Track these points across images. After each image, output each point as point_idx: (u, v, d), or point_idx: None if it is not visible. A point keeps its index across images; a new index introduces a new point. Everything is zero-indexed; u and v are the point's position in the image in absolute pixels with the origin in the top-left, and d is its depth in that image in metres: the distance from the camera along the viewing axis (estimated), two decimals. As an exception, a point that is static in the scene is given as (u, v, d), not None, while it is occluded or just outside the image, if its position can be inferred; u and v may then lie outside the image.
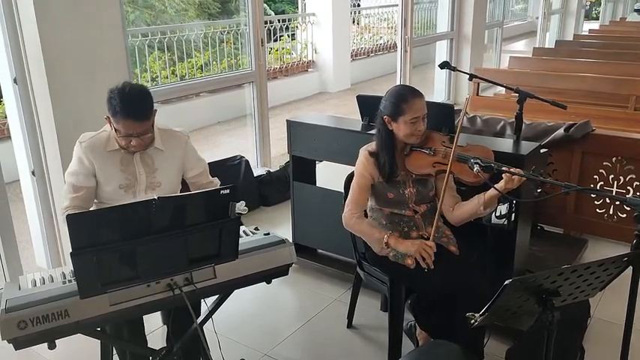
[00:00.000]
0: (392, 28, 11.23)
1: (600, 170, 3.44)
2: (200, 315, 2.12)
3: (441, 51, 7.94)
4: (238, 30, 7.49)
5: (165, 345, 2.16)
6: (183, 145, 2.29)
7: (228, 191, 1.82)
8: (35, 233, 3.43)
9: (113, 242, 1.69)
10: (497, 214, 2.79)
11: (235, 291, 2.07)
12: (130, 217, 1.73)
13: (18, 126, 3.17)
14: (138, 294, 1.78)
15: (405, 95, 2.30)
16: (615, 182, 3.40)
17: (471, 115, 3.78)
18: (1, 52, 3.05)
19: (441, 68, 3.03)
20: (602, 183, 3.45)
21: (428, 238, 2.28)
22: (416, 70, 7.28)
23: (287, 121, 3.29)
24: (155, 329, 2.60)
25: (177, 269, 1.83)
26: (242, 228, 2.17)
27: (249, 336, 2.83)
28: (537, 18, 12.00)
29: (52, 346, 1.71)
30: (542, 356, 1.65)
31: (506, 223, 2.72)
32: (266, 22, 7.78)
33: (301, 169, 3.36)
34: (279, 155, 5.37)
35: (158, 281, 1.80)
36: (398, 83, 5.44)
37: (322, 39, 9.51)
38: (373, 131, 2.45)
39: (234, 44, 7.87)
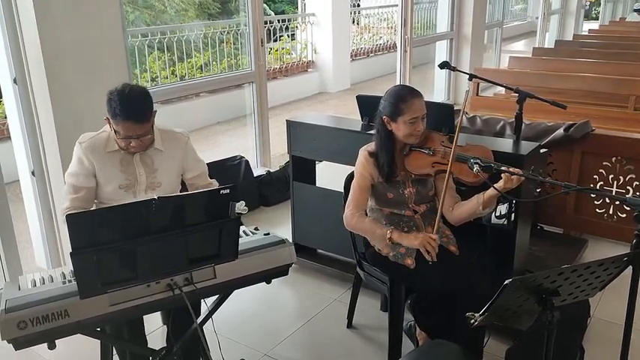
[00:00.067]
0: (392, 28, 11.24)
1: (600, 170, 3.44)
2: (200, 315, 2.12)
3: (441, 51, 7.94)
4: (238, 30, 7.49)
5: (165, 345, 2.16)
6: (183, 145, 2.29)
7: (228, 191, 1.82)
8: (35, 233, 3.43)
9: (113, 242, 1.69)
10: (497, 214, 2.79)
11: (235, 291, 2.07)
12: (129, 217, 1.73)
13: (18, 126, 3.17)
14: (138, 294, 1.78)
15: (404, 95, 2.30)
16: (615, 182, 3.41)
17: (471, 115, 3.79)
18: (0, 52, 3.05)
19: (441, 68, 3.03)
20: (601, 183, 3.45)
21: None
22: (416, 70, 7.28)
23: (287, 121, 3.29)
24: (155, 329, 2.60)
25: (177, 269, 1.83)
26: (242, 228, 2.17)
27: (249, 336, 2.83)
28: (537, 18, 12.01)
29: (51, 347, 1.71)
30: (542, 356, 1.65)
31: (506, 223, 2.72)
32: (266, 23, 7.78)
33: (301, 169, 3.36)
34: (279, 155, 5.37)
35: (158, 281, 1.80)
36: (398, 83, 5.44)
37: (322, 39, 9.51)
38: (373, 131, 2.45)
39: (234, 44, 7.87)
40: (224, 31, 7.82)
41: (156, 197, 1.72)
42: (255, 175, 4.54)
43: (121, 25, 3.36)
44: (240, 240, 1.98)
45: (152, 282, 1.79)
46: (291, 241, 2.18)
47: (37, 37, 2.96)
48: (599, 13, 17.22)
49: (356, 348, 2.76)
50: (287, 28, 9.22)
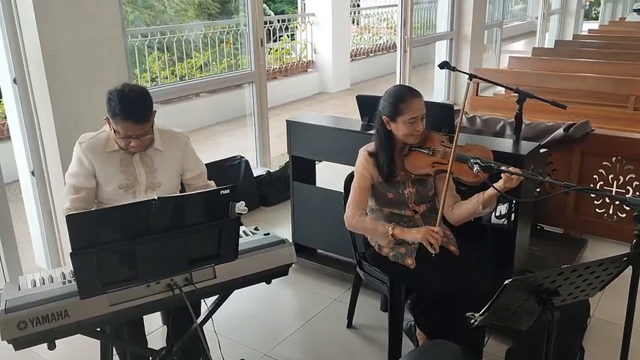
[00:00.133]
0: (391, 28, 11.24)
1: (600, 170, 3.44)
2: (200, 315, 2.12)
3: (441, 51, 7.94)
4: (238, 30, 7.49)
5: (165, 345, 2.16)
6: (183, 146, 2.29)
7: (228, 191, 1.82)
8: (35, 234, 3.43)
9: (113, 242, 1.69)
10: (497, 214, 2.79)
11: (235, 291, 2.07)
12: (129, 217, 1.73)
13: (18, 126, 3.17)
14: (138, 294, 1.78)
15: (403, 95, 2.30)
16: (615, 182, 3.41)
17: (471, 115, 3.79)
18: (0, 52, 3.05)
19: (441, 68, 3.03)
20: (601, 183, 3.45)
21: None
22: (415, 70, 7.28)
23: (287, 121, 3.29)
24: (155, 329, 2.60)
25: (177, 269, 1.83)
26: (242, 228, 2.17)
27: (249, 336, 2.83)
28: (537, 18, 12.00)
29: (51, 347, 1.71)
30: (542, 356, 1.65)
31: (506, 223, 2.72)
32: (265, 23, 7.79)
33: (301, 169, 3.36)
34: (278, 155, 5.37)
35: (158, 281, 1.80)
36: (397, 83, 5.44)
37: (322, 39, 9.51)
38: (372, 131, 2.45)
39: (233, 44, 7.87)
40: (224, 31, 7.82)
41: (156, 197, 1.72)
42: (255, 175, 4.54)
43: (120, 25, 3.36)
44: (240, 240, 1.98)
45: (152, 282, 1.79)
46: (291, 241, 2.18)
47: (37, 38, 2.96)
48: (598, 13, 17.22)
49: (356, 348, 2.76)
50: (287, 28, 9.22)
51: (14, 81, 3.07)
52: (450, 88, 7.90)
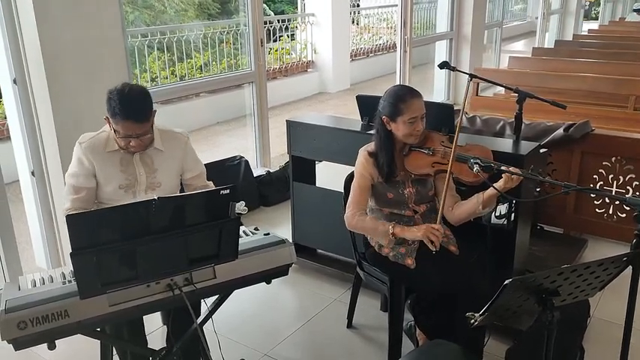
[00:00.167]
0: (391, 28, 11.24)
1: (600, 170, 3.44)
2: (200, 315, 2.12)
3: (441, 51, 7.94)
4: (238, 30, 7.49)
5: (165, 345, 2.16)
6: (183, 146, 2.29)
7: (228, 191, 1.82)
8: (35, 234, 3.43)
9: (113, 242, 1.69)
10: (497, 214, 2.79)
11: (235, 291, 2.07)
12: (129, 217, 1.73)
13: (17, 126, 3.17)
14: (138, 294, 1.78)
15: (403, 95, 2.30)
16: (615, 182, 3.41)
17: (471, 115, 3.79)
18: (0, 52, 3.05)
19: (441, 68, 3.03)
20: (601, 183, 3.45)
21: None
22: (415, 70, 7.28)
23: (287, 121, 3.29)
24: (155, 329, 2.60)
25: (177, 269, 1.83)
26: (242, 228, 2.17)
27: (249, 336, 2.83)
28: (537, 18, 12.00)
29: (51, 347, 1.71)
30: (542, 356, 1.65)
31: (506, 223, 2.72)
32: (265, 23, 7.79)
33: (301, 169, 3.36)
34: (278, 155, 5.37)
35: (158, 281, 1.80)
36: (397, 83, 5.45)
37: (322, 39, 9.51)
38: (372, 131, 2.45)
39: (233, 44, 7.87)
40: (224, 32, 7.83)
41: (156, 197, 1.72)
42: (255, 175, 4.54)
43: (120, 25, 3.36)
44: (240, 240, 1.98)
45: (152, 282, 1.79)
46: (291, 241, 2.18)
47: (37, 38, 2.96)
48: (598, 13, 17.21)
49: (356, 348, 2.76)
50: (287, 28, 9.22)
51: (14, 81, 3.07)
52: (450, 88, 7.90)
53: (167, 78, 7.14)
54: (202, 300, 2.06)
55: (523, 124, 3.04)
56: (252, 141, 4.92)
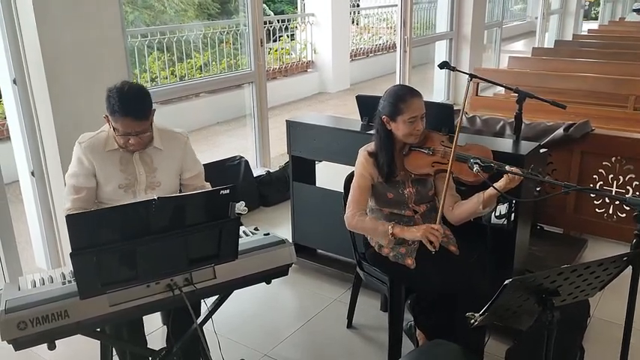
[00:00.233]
0: (391, 28, 11.24)
1: (600, 170, 3.44)
2: (200, 315, 2.12)
3: (441, 51, 7.94)
4: (238, 30, 7.49)
5: (165, 345, 2.16)
6: (182, 145, 2.29)
7: (227, 191, 1.82)
8: (35, 234, 3.43)
9: (113, 242, 1.69)
10: (497, 213, 2.79)
11: (235, 291, 2.07)
12: (129, 217, 1.73)
13: (17, 126, 3.17)
14: (138, 294, 1.78)
15: (403, 95, 2.30)
16: (615, 182, 3.41)
17: (471, 115, 3.79)
18: (0, 53, 3.04)
19: (441, 68, 3.03)
20: (601, 183, 3.45)
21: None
22: (415, 70, 7.28)
23: (286, 121, 3.29)
24: (155, 330, 2.60)
25: (177, 269, 1.83)
26: (242, 228, 2.17)
27: (249, 336, 2.83)
28: (536, 18, 12.00)
29: (51, 347, 1.71)
30: (542, 356, 1.65)
31: (505, 222, 2.72)
32: (265, 23, 7.79)
33: (301, 169, 3.36)
34: (278, 155, 5.37)
35: (158, 282, 1.80)
36: (397, 83, 5.45)
37: (321, 39, 9.51)
38: (372, 131, 2.45)
39: (233, 45, 7.87)
40: (223, 32, 7.82)
41: (156, 197, 1.72)
42: (254, 175, 4.54)
43: (120, 25, 3.36)
44: (240, 240, 1.98)
45: (152, 282, 1.79)
46: (291, 241, 2.18)
47: (37, 37, 2.95)
48: (598, 13, 17.22)
49: (356, 348, 2.76)
50: (286, 29, 9.22)
51: (14, 81, 3.07)
52: (450, 88, 7.90)
53: (167, 78, 7.14)
54: (202, 300, 2.06)
55: (523, 124, 3.04)
56: (252, 141, 4.92)
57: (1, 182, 2.97)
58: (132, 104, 2.03)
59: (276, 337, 2.82)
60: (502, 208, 2.76)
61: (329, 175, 3.49)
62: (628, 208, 3.25)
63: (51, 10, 2.98)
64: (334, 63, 9.51)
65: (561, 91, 5.44)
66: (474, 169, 2.15)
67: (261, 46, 4.64)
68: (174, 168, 2.28)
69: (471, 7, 7.68)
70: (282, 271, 2.08)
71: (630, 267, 1.72)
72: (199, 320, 2.06)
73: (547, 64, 6.34)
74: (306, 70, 9.64)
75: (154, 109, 2.13)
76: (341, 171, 2.76)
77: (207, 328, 2.10)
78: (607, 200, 3.43)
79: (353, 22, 11.15)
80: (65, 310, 1.68)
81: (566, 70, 5.91)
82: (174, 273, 1.82)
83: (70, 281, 1.80)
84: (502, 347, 2.45)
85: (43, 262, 3.42)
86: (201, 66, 7.70)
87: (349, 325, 2.88)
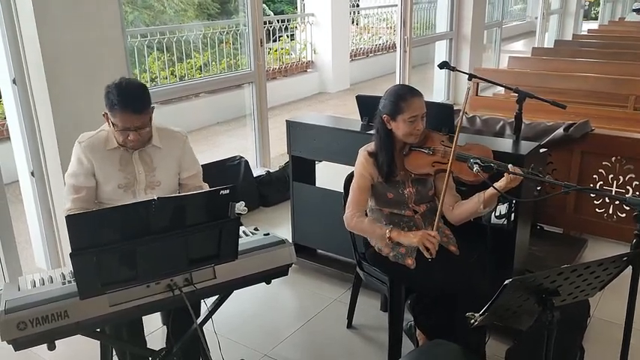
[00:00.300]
0: (391, 28, 11.24)
1: (600, 170, 3.44)
2: (200, 315, 2.12)
3: (440, 51, 7.94)
4: (237, 30, 7.49)
5: (165, 345, 2.16)
6: (181, 144, 2.29)
7: (227, 191, 1.82)
8: (34, 234, 3.42)
9: (113, 243, 1.69)
10: (497, 213, 2.79)
11: (235, 291, 2.07)
12: (129, 218, 1.73)
13: (17, 127, 3.17)
14: (137, 294, 1.78)
15: (404, 94, 2.30)
16: (615, 182, 3.41)
17: (471, 115, 3.78)
18: (0, 52, 3.04)
19: (441, 68, 3.03)
20: (601, 183, 3.45)
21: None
22: (415, 70, 7.28)
23: (286, 121, 3.29)
24: (155, 330, 2.60)
25: (177, 270, 1.83)
26: (242, 228, 2.17)
27: (248, 336, 2.83)
28: (536, 18, 12.00)
29: (51, 347, 1.71)
30: (542, 356, 1.65)
31: (505, 222, 2.72)
32: (265, 23, 7.79)
33: (301, 169, 3.36)
34: (278, 155, 5.37)
35: (158, 282, 1.80)
36: (397, 83, 5.44)
37: (321, 39, 9.51)
38: (372, 131, 2.45)
39: (233, 45, 7.87)
40: (223, 32, 7.82)
41: (155, 198, 1.71)
42: (254, 175, 4.54)
43: (120, 25, 3.36)
44: (240, 240, 1.98)
45: (152, 282, 1.79)
46: (290, 241, 2.18)
47: (37, 37, 2.95)
48: (598, 13, 17.22)
49: (356, 348, 2.76)
50: (286, 29, 9.22)
51: (14, 81, 3.07)
52: (450, 88, 7.90)
53: (167, 78, 7.14)
54: (202, 300, 2.06)
55: (523, 124, 3.05)
56: (252, 141, 4.92)
57: (1, 182, 2.97)
58: (131, 98, 2.03)
59: (276, 337, 2.82)
60: (502, 208, 2.76)
61: (329, 175, 3.49)
62: (628, 208, 3.25)
63: (51, 10, 2.98)
64: (334, 63, 9.51)
65: (561, 91, 5.44)
66: (474, 169, 2.14)
67: (261, 46, 4.64)
68: (173, 167, 2.28)
69: (470, 7, 7.68)
70: (282, 271, 2.08)
71: (630, 267, 1.72)
72: (199, 320, 2.06)
73: (547, 64, 6.34)
74: (306, 70, 9.64)
75: (153, 107, 2.13)
76: (341, 171, 2.76)
77: (207, 328, 2.10)
78: (607, 200, 3.43)
79: (353, 22, 11.14)
80: (65, 311, 1.68)
81: (566, 70, 5.91)
82: (174, 273, 1.82)
83: (69, 281, 1.80)
84: (502, 347, 2.45)
85: (43, 262, 3.42)
86: (201, 66, 7.70)
87: (349, 325, 2.88)
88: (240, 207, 1.93)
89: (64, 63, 3.08)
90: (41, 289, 1.76)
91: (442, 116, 2.66)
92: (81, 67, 3.16)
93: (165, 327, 2.30)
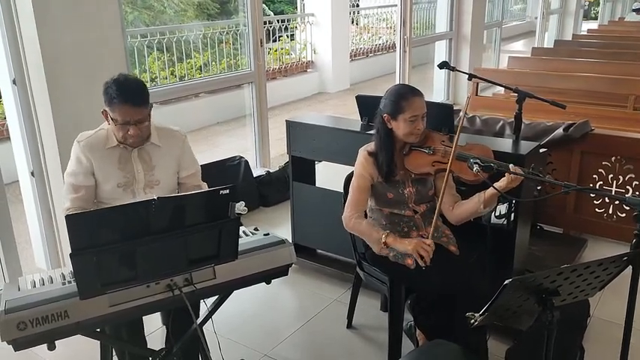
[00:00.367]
0: (391, 28, 11.24)
1: (599, 170, 3.44)
2: (200, 315, 2.12)
3: (440, 51, 7.94)
4: (237, 30, 7.49)
5: (165, 346, 2.16)
6: (180, 143, 2.29)
7: (227, 191, 1.82)
8: (34, 234, 3.42)
9: (113, 243, 1.69)
10: (497, 213, 2.79)
11: (235, 291, 2.07)
12: (129, 218, 1.73)
13: (17, 127, 3.17)
14: (137, 295, 1.78)
15: (405, 93, 2.30)
16: (614, 182, 3.41)
17: (470, 115, 3.79)
18: (0, 53, 3.04)
19: (440, 68, 3.03)
20: (601, 182, 3.45)
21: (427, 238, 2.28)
22: (415, 70, 7.28)
23: (286, 121, 3.29)
24: (155, 330, 2.60)
25: (176, 270, 1.82)
26: (242, 228, 2.17)
27: (248, 336, 2.83)
28: (536, 18, 12.01)
29: (51, 347, 1.71)
30: (542, 356, 1.65)
31: (505, 222, 2.72)
32: (265, 23, 7.79)
33: (301, 169, 3.36)
34: (278, 155, 5.37)
35: (158, 282, 1.80)
36: (397, 83, 5.44)
37: (321, 39, 9.51)
38: (372, 131, 2.45)
39: (233, 45, 7.87)
40: (223, 32, 7.82)
41: (155, 198, 1.71)
42: (254, 175, 4.54)
43: (120, 25, 3.36)
44: (240, 240, 1.98)
45: (152, 282, 1.79)
46: (290, 241, 2.18)
47: (36, 37, 2.95)
48: (598, 13, 17.22)
49: (356, 348, 2.76)
50: (286, 29, 9.22)
51: (14, 82, 3.07)
52: (450, 88, 7.90)
53: (167, 78, 7.14)
54: (202, 300, 2.06)
55: (523, 124, 3.05)
56: (252, 141, 4.92)
57: (1, 182, 2.97)
58: (130, 91, 2.05)
59: (276, 337, 2.82)
60: (502, 208, 2.76)
61: (329, 175, 3.49)
62: (628, 208, 3.25)
63: (51, 10, 2.98)
64: (334, 63, 9.51)
65: (561, 91, 5.44)
66: (474, 169, 2.14)
67: (261, 46, 4.64)
68: (172, 166, 2.28)
69: (470, 7, 7.68)
70: (282, 271, 2.08)
71: (630, 267, 1.72)
72: (199, 320, 2.06)
73: (547, 64, 6.34)
74: (306, 70, 9.64)
75: (152, 104, 2.14)
76: (341, 171, 2.76)
77: (207, 328, 2.10)
78: (607, 200, 3.44)
79: (353, 22, 11.14)
80: (65, 311, 1.68)
81: (565, 70, 5.91)
82: (174, 273, 1.82)
83: (69, 281, 1.80)
84: (502, 347, 2.45)
85: (43, 263, 3.42)
86: (201, 66, 7.70)
87: (349, 325, 2.88)
88: (240, 207, 1.92)
89: (64, 63, 3.08)
90: (41, 290, 1.76)
91: (442, 116, 2.66)
92: (81, 68, 3.16)
93: (165, 327, 2.30)
